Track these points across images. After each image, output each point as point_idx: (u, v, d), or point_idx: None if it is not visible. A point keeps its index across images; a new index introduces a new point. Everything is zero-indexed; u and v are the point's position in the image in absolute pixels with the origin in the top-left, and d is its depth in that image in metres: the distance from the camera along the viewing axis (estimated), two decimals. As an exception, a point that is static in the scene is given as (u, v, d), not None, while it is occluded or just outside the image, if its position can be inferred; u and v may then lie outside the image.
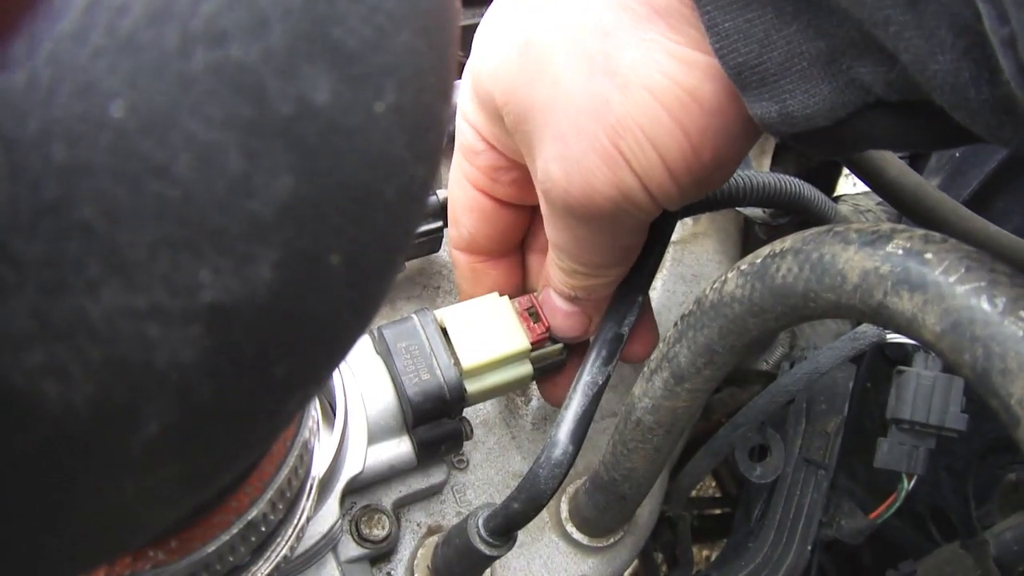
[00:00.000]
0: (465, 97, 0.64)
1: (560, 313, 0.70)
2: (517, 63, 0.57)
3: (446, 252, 0.85)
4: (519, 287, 0.73)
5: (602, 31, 0.53)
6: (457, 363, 0.68)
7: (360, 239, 0.28)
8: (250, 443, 0.33)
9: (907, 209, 0.73)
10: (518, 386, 0.72)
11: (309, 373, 0.31)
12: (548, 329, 0.71)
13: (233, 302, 0.24)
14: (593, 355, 0.65)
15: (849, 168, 0.74)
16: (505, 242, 0.71)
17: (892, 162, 0.74)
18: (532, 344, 0.70)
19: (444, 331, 0.70)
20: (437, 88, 0.31)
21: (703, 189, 0.58)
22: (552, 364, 0.74)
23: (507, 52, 0.57)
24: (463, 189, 0.69)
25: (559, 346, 0.72)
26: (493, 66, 0.59)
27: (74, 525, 0.29)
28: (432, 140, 0.31)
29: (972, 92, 0.42)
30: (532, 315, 0.71)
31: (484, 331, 0.69)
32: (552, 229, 0.63)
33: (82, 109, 0.20)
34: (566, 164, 0.56)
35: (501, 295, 0.72)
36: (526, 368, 0.71)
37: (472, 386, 0.69)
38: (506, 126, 0.60)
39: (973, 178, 0.87)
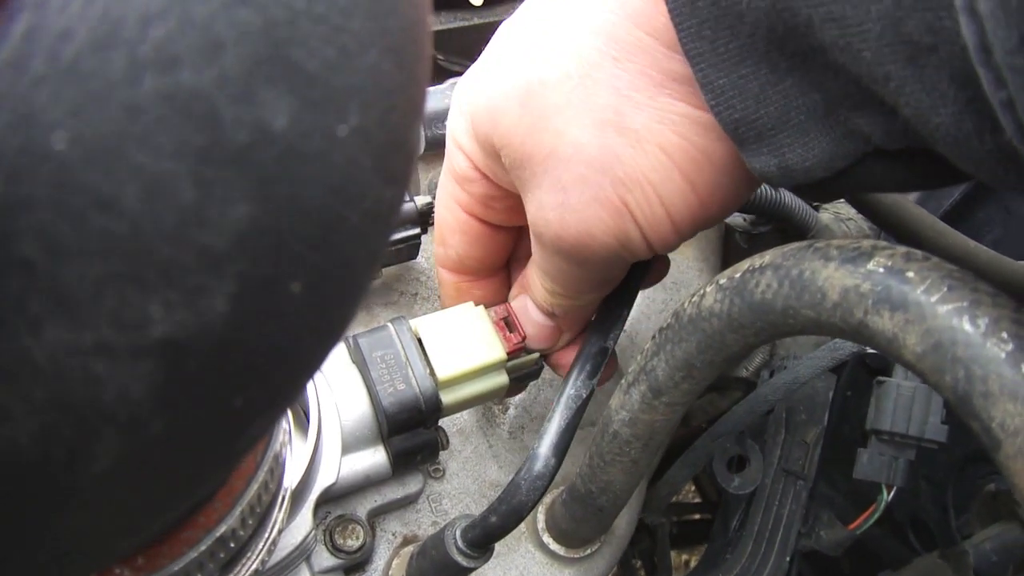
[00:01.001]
0: (460, 128, 0.63)
1: (534, 324, 0.69)
2: (518, 108, 0.56)
3: (423, 259, 0.84)
4: (502, 300, 0.72)
5: (614, 90, 0.53)
6: (432, 373, 0.67)
7: (323, 265, 0.27)
8: (209, 472, 0.32)
9: (885, 224, 0.73)
10: (494, 396, 0.71)
11: (270, 401, 0.30)
12: (524, 339, 0.70)
13: (186, 336, 0.23)
14: (577, 369, 0.65)
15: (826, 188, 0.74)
16: (492, 261, 0.71)
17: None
18: (508, 354, 0.69)
19: (419, 341, 0.68)
20: (405, 108, 0.30)
21: (700, 231, 0.60)
22: (528, 373, 0.73)
23: (508, 94, 0.57)
24: (453, 213, 0.68)
25: (535, 356, 0.71)
26: (492, 106, 0.58)
27: (27, 560, 0.28)
28: (400, 161, 0.30)
29: (975, 143, 0.42)
30: (508, 324, 0.70)
31: (460, 341, 0.68)
32: (539, 259, 0.63)
33: (21, 141, 0.19)
34: (564, 212, 0.56)
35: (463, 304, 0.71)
36: (502, 378, 0.70)
37: (448, 397, 0.68)
38: (503, 164, 0.60)
39: (954, 189, 0.86)
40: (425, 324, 0.69)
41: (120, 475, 0.26)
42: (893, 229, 0.73)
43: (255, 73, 0.23)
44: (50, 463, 0.24)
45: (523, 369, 0.72)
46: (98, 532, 0.29)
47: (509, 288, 0.73)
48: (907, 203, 0.72)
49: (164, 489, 0.29)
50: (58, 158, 0.20)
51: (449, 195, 0.67)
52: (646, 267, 0.67)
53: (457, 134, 0.63)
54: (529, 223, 0.60)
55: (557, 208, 0.57)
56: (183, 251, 0.22)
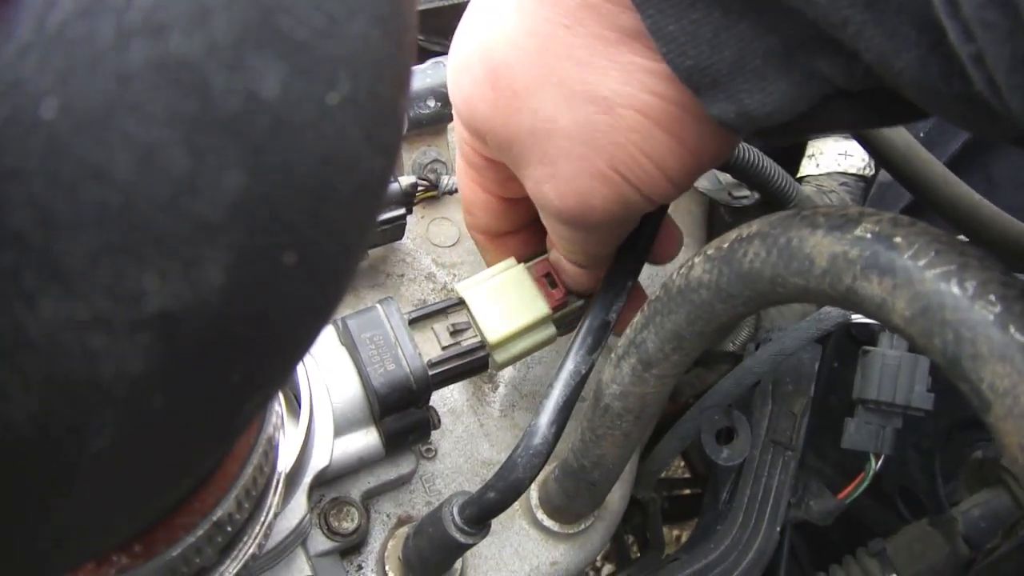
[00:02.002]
0: (456, 121, 0.63)
1: (569, 275, 0.71)
2: (491, 95, 0.56)
3: (408, 239, 0.83)
4: (536, 251, 0.73)
5: (574, 60, 0.52)
6: (421, 353, 0.67)
7: (316, 236, 0.27)
8: (208, 448, 0.32)
9: (895, 169, 0.72)
10: (544, 346, 0.73)
11: (267, 375, 0.30)
12: (565, 294, 0.71)
13: (182, 308, 0.23)
14: (578, 343, 0.64)
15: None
16: (517, 221, 0.72)
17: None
18: (552, 309, 0.71)
19: (465, 305, 0.70)
20: (393, 78, 0.29)
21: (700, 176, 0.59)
22: (576, 318, 0.73)
23: (478, 80, 0.57)
24: (472, 191, 0.69)
25: (580, 303, 0.73)
26: (467, 97, 0.58)
27: (26, 542, 0.27)
28: (389, 132, 0.30)
29: (943, 87, 0.41)
30: (549, 280, 0.71)
31: (505, 303, 0.70)
32: (550, 228, 0.64)
33: (10, 111, 0.19)
34: (558, 185, 0.57)
35: (522, 259, 0.72)
36: (550, 331, 0.71)
37: (500, 356, 0.70)
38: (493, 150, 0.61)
39: (937, 157, 0.86)
40: (470, 288, 0.70)
41: (119, 453, 0.25)
42: (900, 173, 0.72)
43: (244, 40, 0.22)
44: (48, 442, 0.23)
45: (570, 316, 0.73)
46: (97, 513, 0.29)
47: (545, 233, 0.72)
48: (920, 149, 0.71)
49: (163, 467, 0.29)
50: (48, 127, 0.20)
51: (465, 175, 0.69)
52: (650, 238, 0.67)
53: (457, 126, 0.64)
54: (531, 196, 0.61)
55: (551, 182, 0.57)
56: (177, 221, 0.22)
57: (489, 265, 0.74)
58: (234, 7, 0.22)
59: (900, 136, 0.72)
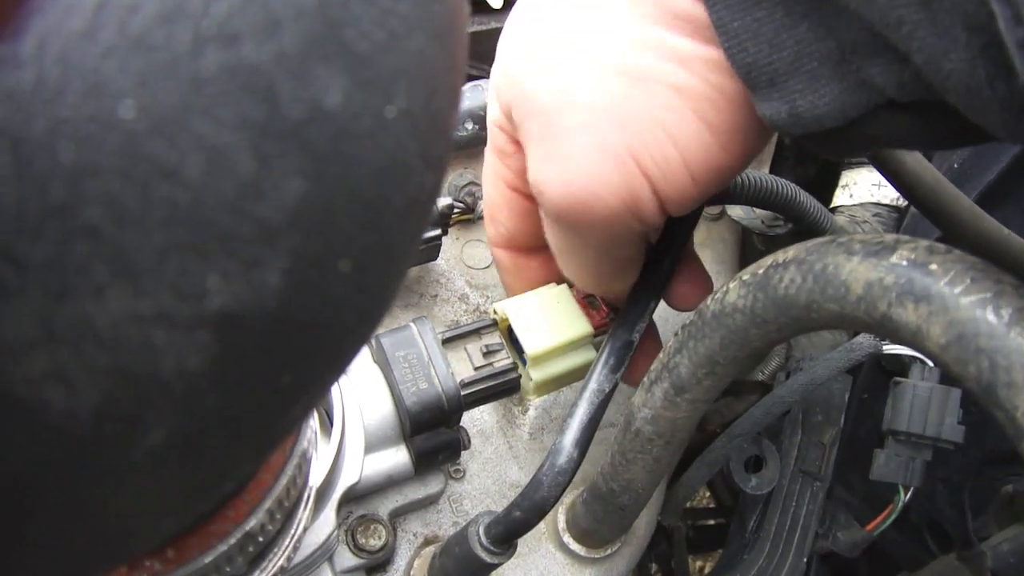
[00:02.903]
0: (492, 101, 0.63)
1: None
2: (528, 61, 0.56)
3: (443, 260, 0.84)
4: (561, 275, 0.72)
5: (618, 32, 0.52)
6: (454, 373, 0.68)
7: (369, 246, 0.28)
8: (254, 451, 0.32)
9: (922, 204, 0.73)
10: (584, 372, 0.72)
11: (315, 380, 0.31)
12: (607, 314, 0.71)
13: (241, 309, 0.24)
14: (601, 362, 0.65)
15: (868, 159, 0.73)
16: (542, 235, 0.69)
17: (911, 154, 0.73)
18: (595, 328, 0.70)
19: (507, 325, 0.70)
20: (447, 94, 0.30)
21: (723, 185, 0.57)
22: None
23: (521, 51, 0.57)
24: (498, 189, 0.68)
25: None
26: (508, 67, 0.58)
27: (75, 533, 0.28)
28: (441, 147, 0.31)
29: (988, 91, 0.41)
30: (591, 302, 0.71)
31: (546, 319, 0.70)
32: (547, 229, 0.62)
33: (91, 109, 0.20)
34: (565, 165, 0.54)
35: (545, 283, 0.72)
36: (590, 353, 0.71)
37: (538, 374, 0.69)
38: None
39: (972, 189, 0.87)
40: (512, 305, 0.70)
41: (172, 450, 0.26)
42: (928, 208, 0.72)
43: (311, 51, 0.23)
44: (107, 434, 0.24)
45: None
46: (145, 510, 0.30)
47: None
48: (947, 184, 0.72)
49: (210, 466, 0.29)
50: (125, 127, 0.20)
51: (493, 172, 0.67)
52: (673, 257, 0.67)
53: (491, 108, 0.63)
54: (531, 185, 0.58)
55: (557, 160, 0.55)
56: (241, 223, 0.23)
57: (510, 293, 0.73)
58: (303, 19, 0.23)
59: (928, 171, 0.72)
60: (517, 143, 0.62)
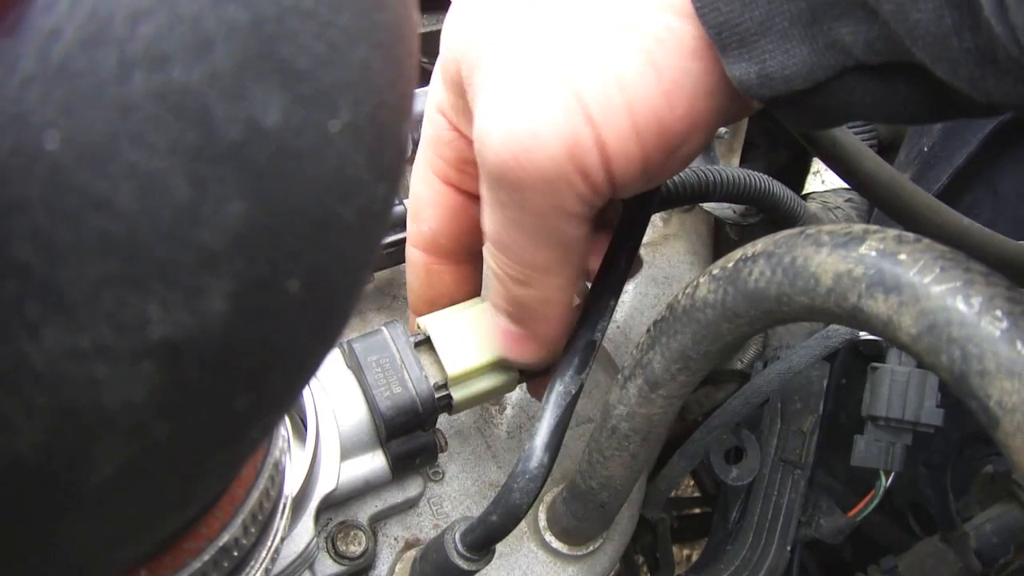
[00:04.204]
0: (434, 82, 0.60)
1: (509, 336, 0.64)
2: (474, 14, 0.54)
3: (415, 261, 0.83)
4: (473, 295, 0.70)
5: None
6: (427, 376, 0.67)
7: (319, 262, 0.27)
8: (214, 476, 0.32)
9: (881, 202, 0.73)
10: (505, 391, 0.70)
11: (271, 402, 0.30)
12: None
13: (185, 337, 0.23)
14: (564, 363, 0.64)
15: (824, 161, 0.73)
16: (467, 242, 0.67)
17: (867, 155, 0.73)
18: None
19: (427, 338, 0.68)
20: (395, 104, 0.30)
21: (669, 159, 0.53)
22: (539, 370, 0.72)
23: (473, 10, 0.54)
24: (428, 183, 0.64)
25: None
26: (453, 24, 0.56)
27: (34, 570, 0.27)
28: (392, 157, 0.30)
29: (955, 40, 0.42)
30: None
31: (469, 337, 0.68)
32: (486, 211, 0.58)
33: (13, 142, 0.19)
34: (509, 108, 0.51)
35: (455, 300, 0.70)
36: (512, 374, 0.69)
37: (458, 393, 0.67)
38: (463, 89, 0.56)
39: (942, 172, 0.87)
40: (434, 321, 0.69)
41: (123, 482, 0.25)
42: (888, 206, 0.72)
43: (246, 69, 0.23)
44: (52, 472, 0.23)
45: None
46: (101, 541, 0.29)
47: (480, 281, 0.69)
48: (903, 180, 0.72)
49: (167, 495, 0.29)
50: (50, 158, 0.20)
51: (424, 164, 0.64)
52: (630, 255, 0.66)
53: (432, 90, 0.61)
54: (474, 141, 0.54)
55: (502, 104, 0.52)
56: (180, 250, 0.22)
57: (416, 296, 0.71)
58: (235, 37, 0.22)
59: (883, 169, 0.72)
60: (456, 129, 0.60)
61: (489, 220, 0.58)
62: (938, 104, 0.48)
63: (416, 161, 0.65)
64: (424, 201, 0.65)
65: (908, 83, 0.47)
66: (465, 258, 0.68)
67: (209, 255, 0.23)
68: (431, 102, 0.62)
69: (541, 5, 0.52)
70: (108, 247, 0.21)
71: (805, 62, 0.48)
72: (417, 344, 0.69)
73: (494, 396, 0.71)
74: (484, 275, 0.65)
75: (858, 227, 0.49)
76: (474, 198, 0.63)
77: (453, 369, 0.67)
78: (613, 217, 0.66)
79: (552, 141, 0.50)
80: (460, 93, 0.57)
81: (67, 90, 0.20)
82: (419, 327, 0.69)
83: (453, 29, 0.56)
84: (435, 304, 0.69)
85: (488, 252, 0.60)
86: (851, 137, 0.72)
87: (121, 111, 0.20)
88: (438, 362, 0.68)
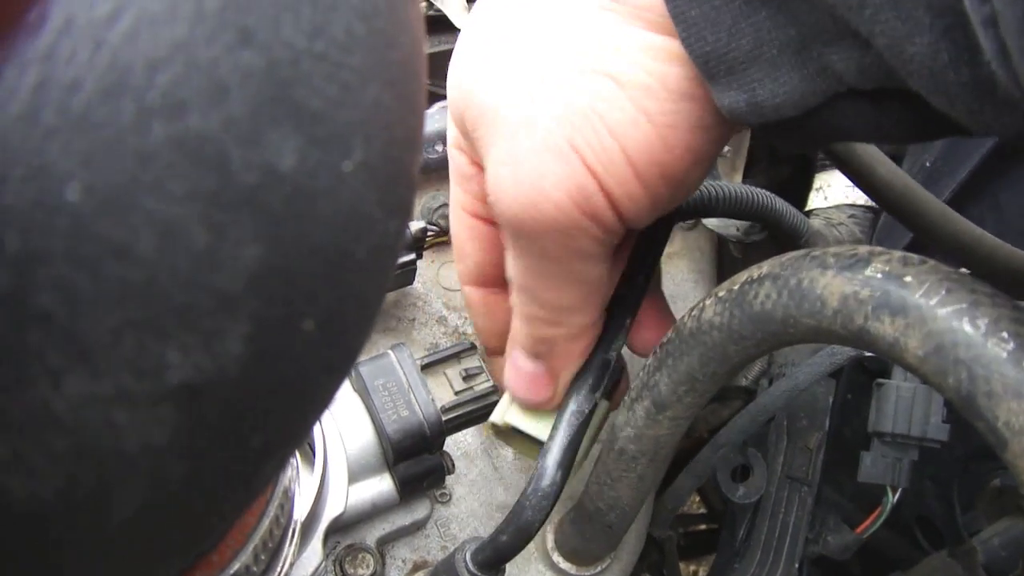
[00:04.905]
0: (449, 122, 0.61)
1: (524, 376, 0.64)
2: (474, 68, 0.54)
3: (419, 284, 0.84)
4: None
5: (565, 26, 0.51)
6: (434, 399, 0.67)
7: (333, 301, 0.27)
8: (229, 510, 0.32)
9: (894, 209, 0.72)
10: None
11: (286, 438, 0.30)
12: None
13: (203, 380, 0.23)
14: (579, 382, 0.64)
15: (838, 166, 0.73)
16: None
17: (882, 161, 0.73)
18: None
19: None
20: (406, 139, 0.30)
21: (675, 192, 0.54)
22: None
23: (468, 60, 0.55)
24: (461, 220, 0.65)
25: None
26: (457, 78, 0.56)
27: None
28: (402, 193, 0.30)
29: (951, 75, 0.41)
30: None
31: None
32: (509, 259, 0.59)
33: (35, 194, 0.19)
34: (513, 166, 0.52)
35: None
36: None
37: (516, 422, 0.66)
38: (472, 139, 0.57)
39: (945, 187, 0.87)
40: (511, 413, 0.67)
41: (142, 522, 0.26)
42: (901, 213, 0.72)
43: (261, 115, 0.23)
44: (73, 515, 0.24)
45: None
46: (119, 578, 0.29)
47: None
48: (917, 188, 0.71)
49: (184, 532, 0.29)
50: (72, 209, 0.20)
51: (456, 203, 0.65)
52: (648, 272, 0.66)
53: (449, 131, 0.62)
54: (487, 195, 0.56)
55: (507, 162, 0.53)
56: (198, 295, 0.22)
57: (481, 331, 0.70)
58: (250, 83, 0.23)
59: (897, 176, 0.72)
60: (476, 164, 0.61)
61: (512, 267, 0.59)
62: (932, 127, 0.47)
63: (450, 202, 0.66)
64: (462, 238, 0.66)
65: (902, 106, 0.47)
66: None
67: (226, 299, 0.23)
68: (450, 140, 0.62)
69: (533, 55, 0.52)
70: (128, 294, 0.21)
71: (796, 89, 0.47)
72: (424, 366, 0.69)
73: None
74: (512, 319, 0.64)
75: (864, 249, 0.49)
76: None
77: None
78: (631, 243, 0.66)
79: (557, 194, 0.51)
80: (471, 140, 0.57)
81: (88, 141, 0.20)
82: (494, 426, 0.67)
83: (456, 79, 0.57)
84: (501, 335, 0.68)
85: (514, 296, 0.61)
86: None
87: (140, 160, 0.21)
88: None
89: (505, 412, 0.67)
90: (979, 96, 0.41)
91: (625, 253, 0.66)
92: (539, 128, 0.51)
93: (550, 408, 0.65)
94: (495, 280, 0.66)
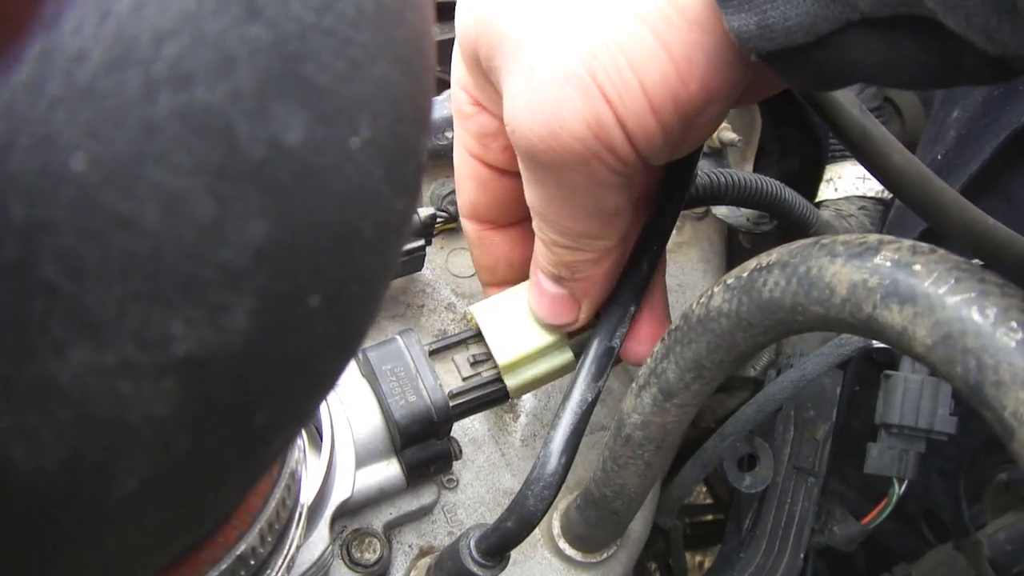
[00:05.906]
0: (455, 59, 0.61)
1: (548, 297, 0.65)
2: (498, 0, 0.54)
3: (428, 270, 0.84)
4: (529, 256, 0.69)
5: None
6: (442, 385, 0.67)
7: (340, 277, 0.27)
8: (233, 489, 0.32)
9: (908, 197, 0.72)
10: (561, 374, 0.70)
11: (291, 416, 0.30)
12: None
13: (207, 353, 0.23)
14: (583, 371, 0.64)
15: (852, 152, 0.72)
16: (507, 210, 0.68)
17: (897, 148, 0.72)
18: (569, 335, 0.68)
19: (477, 329, 0.68)
20: (414, 117, 0.30)
21: (688, 130, 0.54)
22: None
23: None
24: (460, 156, 0.66)
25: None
26: (476, 9, 0.56)
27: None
28: (410, 171, 0.30)
29: None
30: None
31: (518, 324, 0.68)
32: (527, 188, 0.60)
33: (40, 164, 0.19)
34: (533, 96, 0.52)
35: (512, 263, 0.70)
36: (566, 356, 0.69)
37: (512, 381, 0.68)
38: (485, 74, 0.57)
39: (956, 180, 0.86)
40: (482, 309, 0.69)
41: (146, 495, 0.26)
42: (914, 201, 0.71)
43: (268, 88, 0.23)
44: (78, 487, 0.24)
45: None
46: (122, 554, 0.29)
47: (534, 241, 0.68)
48: (932, 176, 0.71)
49: (188, 508, 0.29)
50: (77, 179, 0.20)
51: (458, 140, 0.66)
52: (653, 259, 0.66)
53: (454, 67, 0.62)
54: (505, 124, 0.56)
55: (526, 92, 0.53)
56: (203, 268, 0.22)
57: (476, 264, 0.72)
58: (258, 56, 0.22)
59: (912, 164, 0.72)
60: (478, 103, 0.61)
61: (531, 196, 0.59)
62: (944, 65, 0.46)
63: (454, 135, 0.67)
64: (460, 173, 0.67)
65: (914, 40, 0.45)
66: (511, 223, 0.69)
67: (232, 272, 0.23)
68: (454, 79, 0.63)
69: None
70: (133, 266, 0.21)
71: (808, 13, 0.46)
72: (432, 352, 0.69)
73: (551, 380, 0.71)
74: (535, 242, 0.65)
75: (873, 237, 0.49)
76: (498, 171, 0.65)
77: (503, 358, 0.67)
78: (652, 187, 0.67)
79: (575, 123, 0.52)
80: (481, 73, 0.58)
81: (93, 112, 0.20)
82: (468, 316, 0.69)
83: (471, 9, 0.57)
84: (495, 270, 0.70)
85: (534, 220, 0.61)
86: (881, 129, 0.71)
87: (146, 131, 0.21)
88: (488, 352, 0.68)
89: (480, 308, 0.69)
90: (998, 10, 0.40)
91: (643, 189, 0.66)
92: (560, 59, 0.51)
93: (574, 329, 0.67)
94: (489, 218, 0.68)
